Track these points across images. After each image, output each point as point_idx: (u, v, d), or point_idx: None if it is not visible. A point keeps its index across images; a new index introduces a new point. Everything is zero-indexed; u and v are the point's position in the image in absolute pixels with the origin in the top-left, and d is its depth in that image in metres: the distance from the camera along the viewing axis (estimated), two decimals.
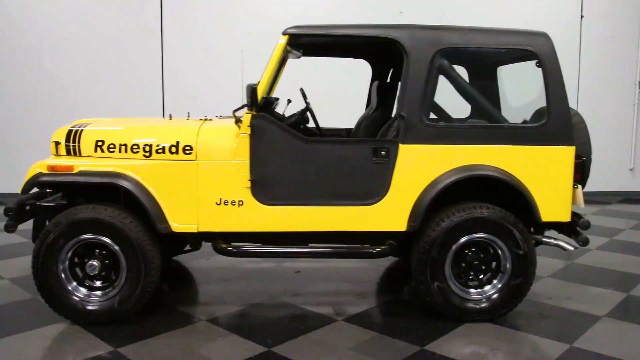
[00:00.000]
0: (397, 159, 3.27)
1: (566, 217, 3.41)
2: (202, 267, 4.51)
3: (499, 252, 3.34)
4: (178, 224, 3.28)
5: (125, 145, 3.30)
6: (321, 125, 4.55)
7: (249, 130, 3.21)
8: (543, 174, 3.34)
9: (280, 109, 3.91)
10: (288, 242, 3.40)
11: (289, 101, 3.93)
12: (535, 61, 3.38)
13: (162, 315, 3.46)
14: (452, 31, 3.33)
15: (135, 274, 3.23)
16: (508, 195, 3.38)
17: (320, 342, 3.09)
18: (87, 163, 3.28)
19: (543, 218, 3.37)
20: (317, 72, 6.71)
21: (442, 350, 2.99)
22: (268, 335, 3.16)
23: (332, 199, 3.29)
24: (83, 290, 3.27)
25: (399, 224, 3.31)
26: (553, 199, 3.37)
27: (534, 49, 3.32)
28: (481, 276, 3.39)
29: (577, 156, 3.46)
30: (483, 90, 4.20)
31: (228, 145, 3.25)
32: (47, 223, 3.31)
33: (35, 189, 3.40)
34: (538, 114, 3.56)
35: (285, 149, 3.25)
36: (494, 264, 3.39)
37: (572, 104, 7.53)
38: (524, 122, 3.61)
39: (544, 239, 3.53)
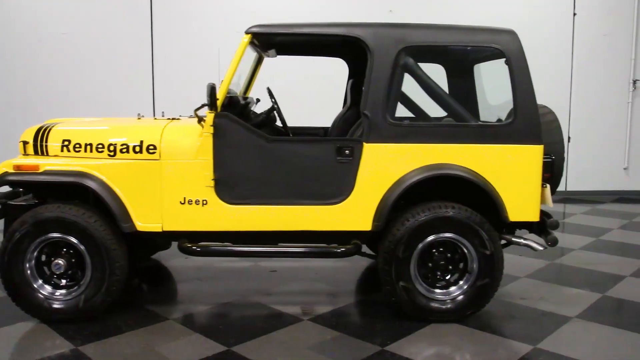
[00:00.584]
0: (362, 159, 3.25)
1: (535, 217, 3.37)
2: (179, 266, 4.52)
3: (466, 252, 3.31)
4: (142, 223, 3.28)
5: (90, 144, 3.31)
6: (300, 125, 4.56)
7: (211, 130, 3.21)
8: (510, 173, 3.30)
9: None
10: (255, 241, 3.40)
11: (258, 100, 3.92)
12: (505, 59, 3.35)
13: (129, 313, 3.47)
14: (416, 29, 3.31)
15: (100, 273, 3.24)
16: (476, 195, 3.35)
17: (281, 342, 3.08)
18: (53, 162, 3.30)
19: (511, 218, 3.33)
20: (299, 70, 6.71)
21: (402, 351, 2.97)
22: (231, 335, 3.16)
23: (296, 199, 3.28)
24: (48, 288, 3.29)
25: (364, 223, 3.29)
26: (521, 198, 3.33)
27: (501, 46, 3.29)
28: (448, 277, 3.36)
29: (547, 155, 3.42)
30: (460, 89, 4.20)
31: (191, 145, 3.25)
32: None
33: (8, 188, 3.44)
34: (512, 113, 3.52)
35: (248, 149, 3.24)
36: (461, 264, 3.36)
37: (565, 102, 7.59)
38: (499, 120, 3.57)
39: (514, 239, 3.50)
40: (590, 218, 6.43)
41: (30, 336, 3.16)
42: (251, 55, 4.18)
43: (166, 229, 3.29)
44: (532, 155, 3.31)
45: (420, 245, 3.27)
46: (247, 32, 3.25)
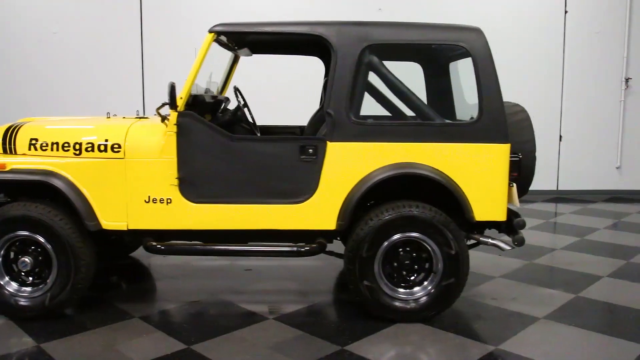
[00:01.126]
0: (325, 157, 3.24)
1: (501, 217, 3.35)
2: (157, 264, 4.53)
3: (431, 251, 3.30)
4: (108, 221, 3.30)
5: (57, 143, 3.33)
6: (278, 123, 4.56)
7: (175, 129, 3.22)
8: (476, 172, 3.28)
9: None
10: (224, 240, 3.40)
11: (227, 99, 3.92)
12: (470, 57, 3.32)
13: (97, 311, 3.49)
14: (380, 27, 3.29)
15: (65, 271, 3.26)
16: (443, 194, 3.33)
17: (242, 340, 3.08)
18: (20, 161, 3.32)
19: (477, 217, 3.31)
20: (289, 69, 6.72)
21: (361, 351, 2.96)
22: (193, 333, 3.16)
23: (261, 198, 3.28)
24: (15, 285, 3.32)
25: (328, 222, 3.28)
26: (487, 197, 3.31)
27: (465, 44, 3.26)
28: (414, 276, 3.35)
29: (514, 154, 3.39)
30: (436, 87, 4.18)
31: (156, 144, 3.26)
32: None
33: None
34: None
35: (212, 147, 3.25)
36: (427, 264, 3.35)
37: (556, 100, 7.53)
38: (471, 118, 3.55)
39: (482, 239, 3.48)
40: (578, 217, 6.37)
41: None
42: (228, 54, 4.20)
43: (131, 227, 3.31)
44: (497, 154, 3.28)
45: (384, 245, 3.26)
46: (210, 31, 3.25)
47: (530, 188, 7.93)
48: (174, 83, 3.11)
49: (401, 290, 3.32)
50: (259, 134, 3.89)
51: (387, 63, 4.33)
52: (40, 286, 3.32)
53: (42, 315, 3.29)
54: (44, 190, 3.38)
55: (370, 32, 3.25)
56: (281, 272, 4.30)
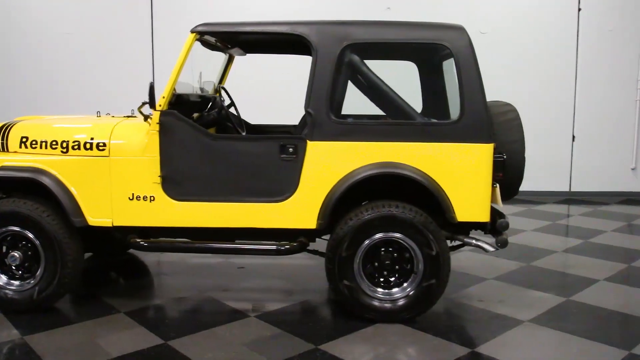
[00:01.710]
0: (305, 156, 3.25)
1: (484, 217, 3.30)
2: (152, 261, 4.60)
3: (412, 252, 3.27)
4: (94, 218, 3.38)
5: (45, 141, 3.42)
6: (273, 123, 4.59)
7: (157, 127, 3.27)
8: (458, 173, 3.24)
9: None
10: (211, 237, 3.45)
11: (214, 98, 3.95)
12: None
13: (85, 305, 3.59)
14: (361, 26, 3.28)
15: (52, 266, 3.36)
16: (425, 194, 3.30)
17: (219, 337, 3.12)
18: (11, 158, 3.42)
19: (459, 218, 3.28)
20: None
21: (334, 350, 2.96)
22: (174, 329, 3.21)
23: (241, 196, 3.31)
24: (4, 278, 3.43)
25: (308, 221, 3.29)
26: (469, 198, 3.27)
27: (447, 43, 3.22)
28: (395, 276, 3.33)
29: (499, 154, 3.34)
30: (430, 86, 4.15)
31: (139, 142, 3.32)
32: None
33: None
34: None
35: (193, 146, 3.29)
36: (408, 265, 3.32)
37: (569, 99, 7.36)
38: (453, 119, 3.51)
39: (466, 240, 3.44)
40: (587, 220, 6.22)
41: None
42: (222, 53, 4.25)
43: (116, 224, 3.38)
44: (480, 154, 3.24)
45: (364, 244, 3.25)
46: (192, 31, 3.30)
47: (541, 189, 7.81)
48: (152, 82, 3.17)
49: (380, 290, 3.31)
50: (244, 133, 3.92)
51: (382, 63, 4.36)
52: (29, 280, 3.42)
53: (30, 309, 3.39)
54: (35, 187, 3.48)
55: (350, 31, 3.24)
56: (272, 271, 4.32)
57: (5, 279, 3.43)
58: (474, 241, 3.41)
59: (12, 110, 7.48)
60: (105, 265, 4.48)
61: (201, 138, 3.29)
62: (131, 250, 4.78)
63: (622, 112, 7.33)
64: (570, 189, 7.52)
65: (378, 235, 3.25)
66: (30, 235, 3.36)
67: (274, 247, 3.34)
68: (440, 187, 3.24)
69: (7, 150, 3.50)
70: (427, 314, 3.38)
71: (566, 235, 5.55)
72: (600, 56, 7.26)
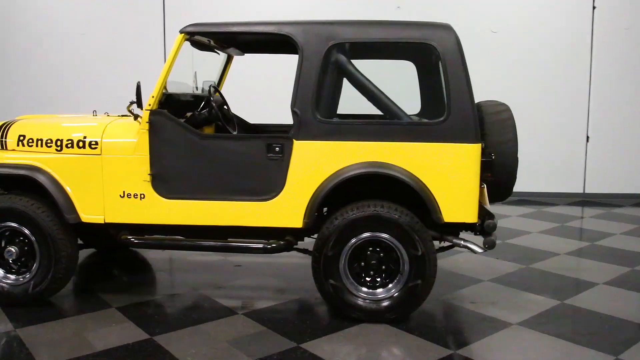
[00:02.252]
0: (292, 156, 3.27)
1: (472, 218, 3.27)
2: (153, 257, 4.67)
3: (397, 252, 3.26)
4: (86, 215, 3.46)
5: (41, 140, 3.51)
6: (273, 122, 4.62)
7: (147, 127, 3.33)
8: (444, 173, 3.22)
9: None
10: (198, 235, 3.50)
11: (210, 97, 3.99)
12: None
13: (79, 299, 3.68)
14: (347, 26, 3.28)
15: (47, 261, 3.45)
16: (412, 194, 3.29)
17: (203, 334, 3.16)
18: (9, 156, 3.53)
19: (446, 218, 3.25)
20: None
21: (315, 349, 2.97)
22: (160, 325, 3.27)
23: (229, 194, 3.35)
24: (1, 272, 3.53)
25: (295, 220, 3.31)
26: (456, 199, 3.24)
27: (434, 42, 3.20)
28: (380, 277, 3.32)
29: (488, 153, 3.31)
30: (429, 85, 4.12)
31: (130, 141, 3.39)
32: None
33: None
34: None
35: (182, 145, 3.34)
36: (394, 265, 3.31)
37: (583, 99, 7.22)
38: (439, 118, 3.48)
39: (455, 240, 3.42)
40: (597, 222, 6.09)
41: None
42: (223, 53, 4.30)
43: (108, 221, 3.45)
44: (467, 154, 3.21)
45: (350, 244, 3.25)
46: (180, 32, 3.35)
47: (553, 190, 7.66)
48: (139, 82, 3.22)
49: (365, 289, 3.31)
50: (235, 132, 3.95)
51: (380, 62, 4.35)
52: (25, 275, 3.52)
53: (26, 302, 3.49)
54: (32, 185, 3.58)
55: (336, 31, 3.25)
56: (268, 269, 4.35)
57: (2, 272, 3.53)
58: (462, 242, 3.38)
59: (23, 110, 7.69)
60: (106, 261, 4.57)
61: (189, 137, 3.34)
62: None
63: (637, 112, 7.15)
64: (584, 190, 7.36)
65: (364, 235, 3.25)
66: (27, 231, 3.46)
67: (261, 246, 3.37)
68: (427, 187, 3.22)
69: (6, 148, 3.60)
70: (416, 315, 3.37)
71: (572, 238, 5.44)
72: (615, 55, 7.10)
